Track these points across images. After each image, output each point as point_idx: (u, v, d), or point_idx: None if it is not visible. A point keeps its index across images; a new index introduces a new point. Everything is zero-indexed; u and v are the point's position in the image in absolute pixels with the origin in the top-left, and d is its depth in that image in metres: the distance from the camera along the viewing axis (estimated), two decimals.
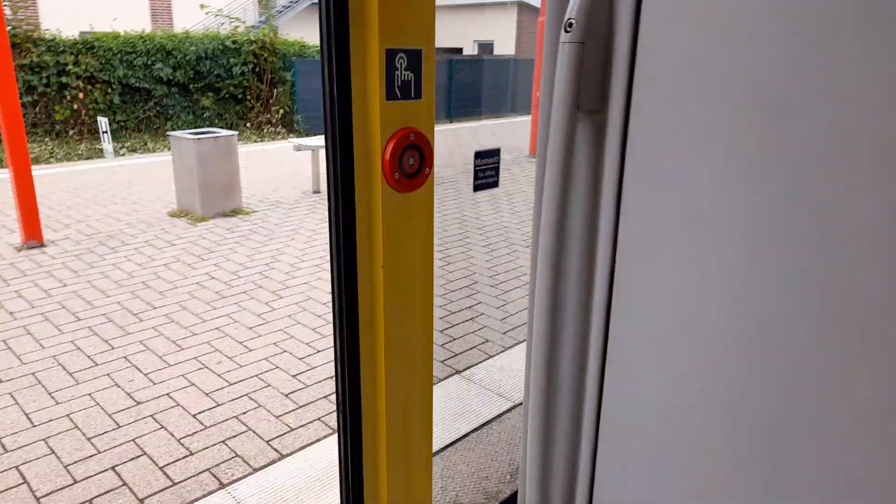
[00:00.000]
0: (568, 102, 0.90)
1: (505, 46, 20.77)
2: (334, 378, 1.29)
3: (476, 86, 16.42)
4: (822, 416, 0.69)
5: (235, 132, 6.32)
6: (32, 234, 5.05)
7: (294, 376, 3.28)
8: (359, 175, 1.18)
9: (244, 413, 2.95)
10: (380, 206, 1.20)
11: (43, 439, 2.71)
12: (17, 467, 2.52)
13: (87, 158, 10.90)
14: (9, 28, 11.56)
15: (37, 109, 11.86)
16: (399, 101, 1.18)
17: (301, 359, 3.45)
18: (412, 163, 1.22)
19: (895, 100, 0.59)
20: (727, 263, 0.76)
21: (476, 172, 1.58)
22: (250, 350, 3.53)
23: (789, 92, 0.67)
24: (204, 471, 2.54)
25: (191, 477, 2.50)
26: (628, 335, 0.93)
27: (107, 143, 11.10)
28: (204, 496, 2.41)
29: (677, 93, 0.80)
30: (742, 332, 0.77)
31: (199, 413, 2.94)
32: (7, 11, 11.71)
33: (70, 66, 11.99)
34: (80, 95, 12.27)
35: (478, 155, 1.58)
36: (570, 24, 0.87)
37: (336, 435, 1.40)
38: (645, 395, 0.91)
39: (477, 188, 1.57)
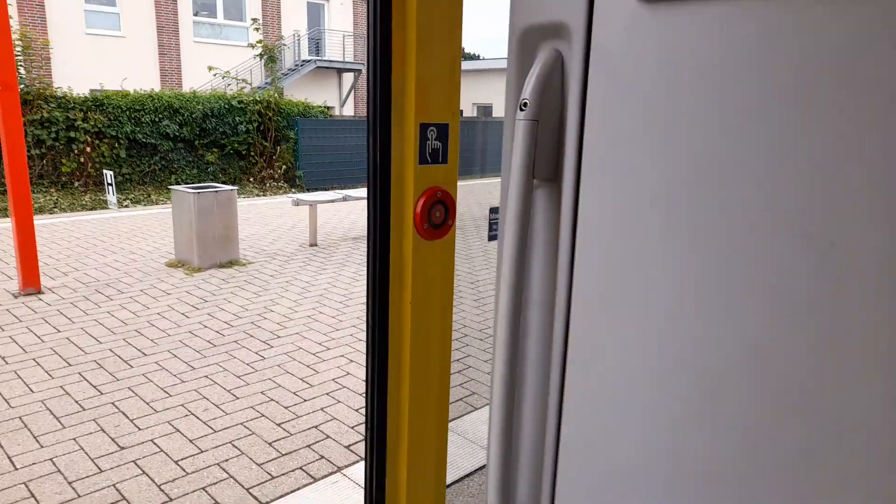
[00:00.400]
0: (524, 172, 1.01)
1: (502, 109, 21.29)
2: (365, 398, 1.52)
3: (473, 146, 16.80)
4: (758, 460, 0.76)
5: (235, 187, 6.48)
6: (30, 281, 5.12)
7: (279, 424, 3.30)
8: (394, 225, 1.45)
9: (226, 460, 2.96)
10: (410, 251, 1.46)
11: (24, 482, 2.71)
12: None
13: (91, 209, 11.08)
14: (22, 86, 11.96)
15: (44, 161, 12.14)
16: (429, 165, 1.46)
17: (287, 407, 3.47)
18: (438, 215, 1.48)
19: (815, 167, 0.67)
20: (671, 320, 0.85)
21: (490, 225, 1.89)
22: (237, 398, 3.55)
23: (720, 158, 0.77)
24: None
25: None
26: (582, 386, 1.00)
27: (111, 195, 11.31)
28: None
29: (619, 163, 0.90)
30: (687, 386, 0.84)
31: (182, 459, 2.95)
32: (21, 71, 12.11)
33: (79, 122, 12.33)
34: (88, 149, 12.57)
35: (492, 210, 1.89)
36: (525, 104, 0.99)
37: (364, 462, 1.62)
38: (597, 443, 0.98)
39: (491, 238, 1.88)
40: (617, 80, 0.88)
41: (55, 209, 11.12)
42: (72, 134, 12.28)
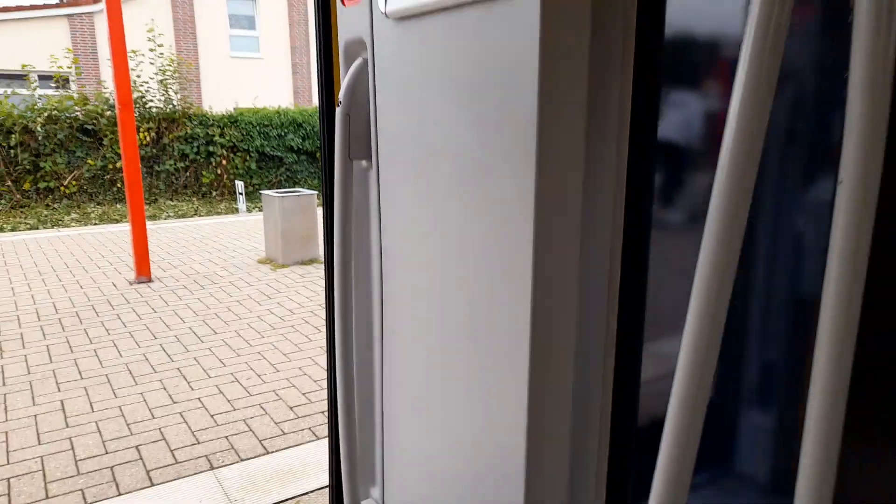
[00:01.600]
0: (342, 154, 1.40)
1: None
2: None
3: None
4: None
5: (315, 192, 7.23)
6: (143, 271, 6.13)
7: (304, 394, 3.85)
8: None
9: (251, 417, 3.55)
10: None
11: (95, 421, 3.45)
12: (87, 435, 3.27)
13: (225, 214, 12.48)
14: (171, 106, 13.72)
15: (188, 173, 13.78)
16: None
17: (316, 381, 4.02)
18: None
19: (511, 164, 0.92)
20: (434, 262, 1.15)
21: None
22: (277, 371, 4.16)
23: (440, 135, 1.07)
24: (202, 456, 3.14)
25: (190, 459, 3.11)
26: (392, 319, 1.36)
27: (241, 203, 12.68)
28: (194, 474, 2.99)
29: (389, 143, 1.27)
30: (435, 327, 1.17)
31: (217, 414, 3.57)
32: (171, 93, 13.86)
33: (216, 137, 13.87)
34: (224, 162, 14.11)
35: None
36: (339, 102, 1.39)
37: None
38: (397, 385, 1.34)
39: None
40: (385, 78, 1.26)
41: (195, 215, 12.62)
42: (211, 148, 13.84)
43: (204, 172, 13.94)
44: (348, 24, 1.42)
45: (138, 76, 13.34)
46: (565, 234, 0.91)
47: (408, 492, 1.38)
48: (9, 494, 2.82)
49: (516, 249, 0.91)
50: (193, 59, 18.38)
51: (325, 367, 1.75)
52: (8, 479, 2.93)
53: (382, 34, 1.28)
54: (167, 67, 13.85)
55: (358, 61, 1.40)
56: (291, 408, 3.68)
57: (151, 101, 13.50)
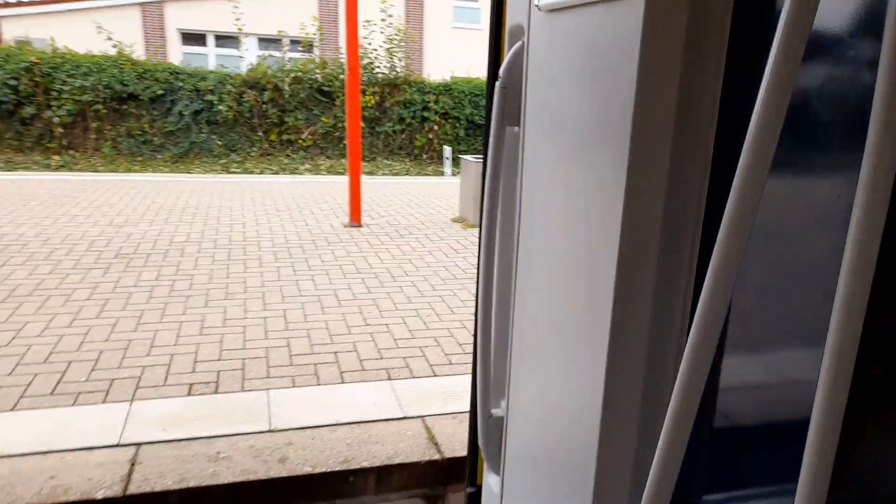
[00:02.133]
0: (497, 121, 1.78)
1: None
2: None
3: None
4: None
5: None
6: (355, 217, 7.10)
7: (473, 335, 4.36)
8: None
9: (426, 346, 4.14)
10: None
11: (306, 329, 4.28)
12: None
13: (432, 176, 13.51)
14: (395, 73, 14.97)
15: (403, 136, 15.03)
16: None
17: None
18: None
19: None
20: (553, 222, 1.36)
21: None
22: (453, 313, 4.73)
23: (562, 119, 1.28)
24: (383, 369, 3.79)
25: (374, 370, 3.78)
26: (523, 269, 1.71)
27: (446, 167, 13.62)
28: (375, 381, 3.65)
29: (535, 114, 1.60)
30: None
31: (400, 339, 4.22)
32: (396, 60, 15.10)
33: (431, 104, 14.91)
34: (436, 127, 15.14)
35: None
36: (500, 76, 1.78)
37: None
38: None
39: None
40: (535, 59, 1.56)
41: (406, 174, 13.79)
42: (425, 114, 14.93)
43: (417, 136, 15.06)
44: (513, 12, 1.76)
45: (369, 44, 14.70)
46: (648, 225, 1.02)
47: (521, 409, 1.76)
48: (243, 370, 3.68)
49: (606, 230, 1.05)
50: (419, 28, 19.70)
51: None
52: (243, 359, 3.82)
53: (536, 22, 1.58)
54: (394, 37, 15.09)
55: (518, 44, 1.75)
56: (460, 344, 4.21)
57: (378, 67, 14.82)
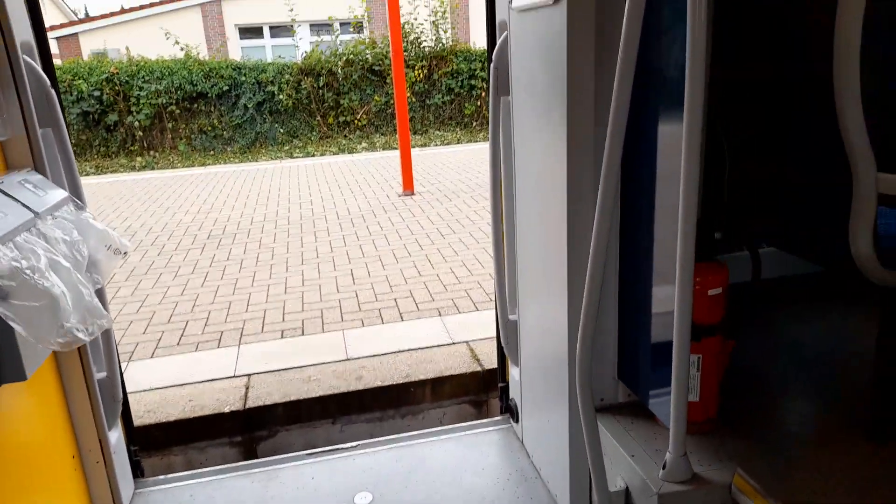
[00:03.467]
0: (494, 91, 2.41)
1: None
2: None
3: None
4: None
5: None
6: (408, 186, 7.90)
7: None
8: None
9: (470, 288, 4.89)
10: None
11: (370, 282, 5.10)
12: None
13: (482, 142, 14.07)
14: (441, 45, 15.46)
15: (453, 106, 15.60)
16: None
17: None
18: None
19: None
20: (529, 171, 2.16)
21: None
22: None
23: (532, 91, 1.98)
24: (434, 308, 4.57)
25: (427, 310, 4.56)
26: (521, 214, 2.39)
27: None
28: (429, 318, 4.43)
29: (517, 87, 2.16)
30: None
31: (449, 284, 4.99)
32: (441, 32, 15.60)
33: (478, 72, 15.37)
34: (483, 94, 15.62)
35: None
36: (492, 60, 2.42)
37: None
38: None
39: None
40: (514, 46, 2.12)
41: (458, 143, 14.41)
42: (472, 82, 15.41)
43: (466, 105, 15.54)
44: (500, 11, 2.40)
45: (415, 19, 15.24)
46: (584, 162, 1.64)
47: (526, 314, 2.43)
48: (321, 317, 4.54)
49: (557, 169, 1.71)
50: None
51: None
52: (321, 309, 4.67)
53: (513, 19, 2.21)
54: (439, 9, 15.57)
55: (503, 35, 2.37)
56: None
57: (425, 41, 15.36)
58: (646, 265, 1.62)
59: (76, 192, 1.96)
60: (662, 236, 1.51)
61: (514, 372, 2.89)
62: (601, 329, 1.76)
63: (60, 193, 1.80)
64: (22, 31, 1.85)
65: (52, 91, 1.92)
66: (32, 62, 1.88)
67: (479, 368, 3.73)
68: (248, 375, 3.80)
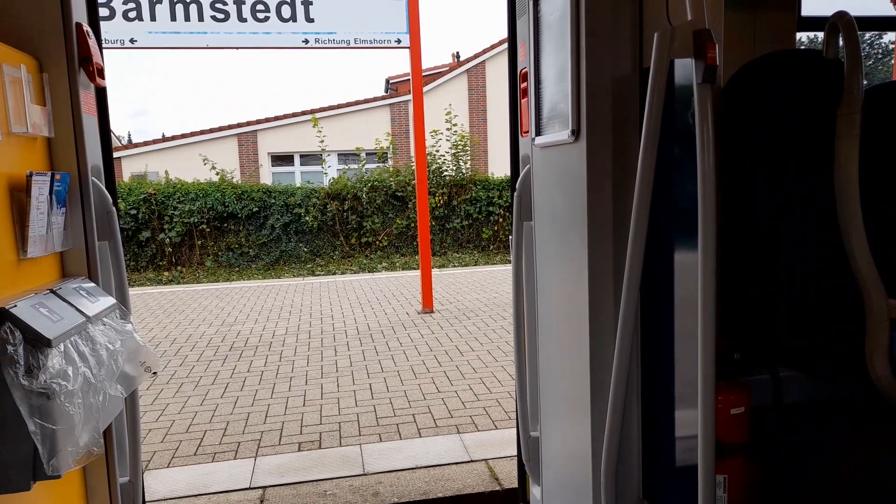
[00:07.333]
0: (517, 217, 2.66)
1: None
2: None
3: None
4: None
5: None
6: (427, 304, 8.03)
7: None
8: None
9: (489, 406, 4.88)
10: None
11: (388, 397, 5.11)
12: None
13: (499, 265, 14.36)
14: (461, 174, 16.23)
15: (471, 230, 16.09)
16: None
17: None
18: None
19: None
20: (556, 295, 2.40)
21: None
22: (513, 380, 5.44)
23: (555, 215, 2.31)
24: (453, 425, 4.55)
25: (445, 426, 4.54)
26: (542, 332, 2.55)
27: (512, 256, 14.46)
28: (446, 434, 4.41)
29: (539, 212, 2.49)
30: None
31: (467, 401, 4.98)
32: (461, 163, 16.41)
33: (496, 199, 15.98)
34: (501, 220, 16.15)
35: None
36: (516, 189, 2.66)
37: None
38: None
39: None
40: (536, 179, 2.37)
41: (475, 265, 14.71)
42: (490, 208, 15.99)
43: (484, 229, 16.04)
44: (523, 147, 2.65)
45: (437, 150, 16.11)
46: (604, 284, 1.76)
47: (548, 431, 2.48)
48: (339, 431, 4.53)
49: (578, 292, 1.84)
50: (483, 133, 21.26)
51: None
52: (339, 422, 4.67)
53: (536, 154, 2.46)
54: (459, 143, 16.50)
55: (526, 167, 2.61)
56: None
57: (446, 170, 16.15)
58: (667, 385, 1.66)
59: (123, 301, 2.11)
60: (682, 356, 1.58)
61: (535, 491, 2.87)
62: (625, 449, 1.79)
63: (109, 300, 1.95)
64: (94, 155, 2.08)
65: (113, 209, 2.13)
66: (99, 182, 2.09)
67: (498, 487, 3.68)
68: (264, 488, 3.77)
